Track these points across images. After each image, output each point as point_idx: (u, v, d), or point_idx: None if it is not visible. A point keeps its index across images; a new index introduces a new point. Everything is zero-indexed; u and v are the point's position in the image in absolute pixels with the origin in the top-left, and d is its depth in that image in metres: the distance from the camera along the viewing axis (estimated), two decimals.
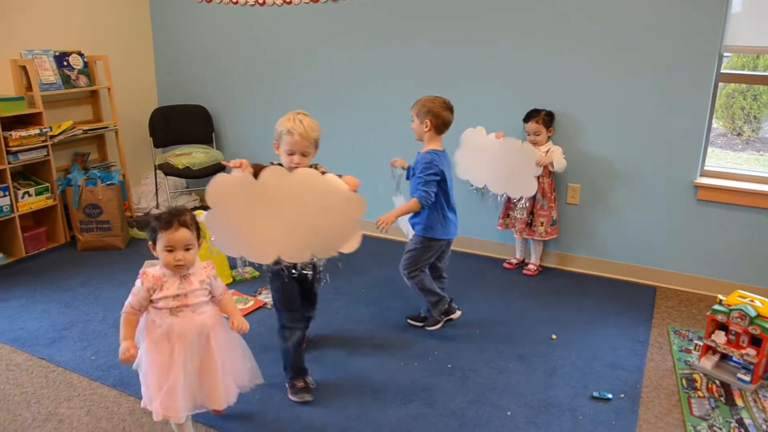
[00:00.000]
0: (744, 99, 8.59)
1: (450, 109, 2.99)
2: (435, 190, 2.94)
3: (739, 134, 8.61)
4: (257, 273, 3.87)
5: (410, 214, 3.05)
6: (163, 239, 2.06)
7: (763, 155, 8.24)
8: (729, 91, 8.77)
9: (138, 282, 2.11)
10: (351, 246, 2.37)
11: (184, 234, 2.06)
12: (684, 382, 2.85)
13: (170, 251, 2.06)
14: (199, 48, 4.95)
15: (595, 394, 2.69)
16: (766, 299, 2.81)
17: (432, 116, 2.94)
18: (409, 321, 3.28)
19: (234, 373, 2.26)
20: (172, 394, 2.06)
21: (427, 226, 3.03)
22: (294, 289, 2.60)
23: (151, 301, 2.10)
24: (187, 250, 2.08)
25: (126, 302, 2.11)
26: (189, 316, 2.11)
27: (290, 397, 2.61)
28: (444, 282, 3.26)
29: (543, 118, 3.71)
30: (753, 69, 7.85)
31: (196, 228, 2.13)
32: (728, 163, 7.50)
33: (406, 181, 3.19)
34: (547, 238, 3.86)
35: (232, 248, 2.42)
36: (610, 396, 2.68)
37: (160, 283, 2.09)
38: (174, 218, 2.06)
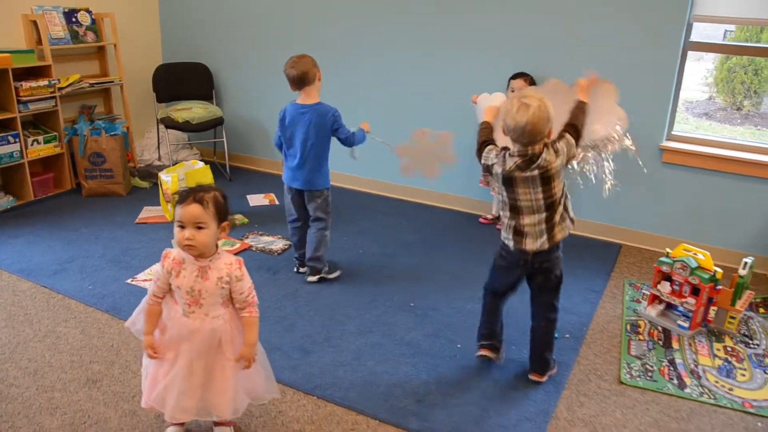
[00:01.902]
0: (745, 73, 8.60)
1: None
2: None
3: (738, 108, 8.66)
4: (246, 220, 4.14)
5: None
6: (176, 213, 1.91)
7: (761, 130, 8.30)
8: (730, 65, 8.78)
9: (157, 266, 2.00)
10: None
11: (194, 209, 1.86)
12: (628, 327, 3.09)
13: (181, 228, 1.89)
14: (203, 8, 5.16)
15: None
16: (707, 252, 3.03)
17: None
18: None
19: (247, 383, 2.08)
20: (170, 391, 1.98)
21: None
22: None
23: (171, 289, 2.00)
24: (199, 228, 1.87)
25: (149, 291, 2.01)
26: (200, 319, 1.95)
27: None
28: None
29: (531, 82, 3.89)
30: (757, 42, 7.84)
31: (216, 208, 1.91)
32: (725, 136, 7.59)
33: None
34: None
35: None
36: (555, 335, 2.93)
37: (179, 268, 1.94)
38: (191, 193, 1.90)
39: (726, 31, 8.38)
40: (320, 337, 2.85)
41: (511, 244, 2.47)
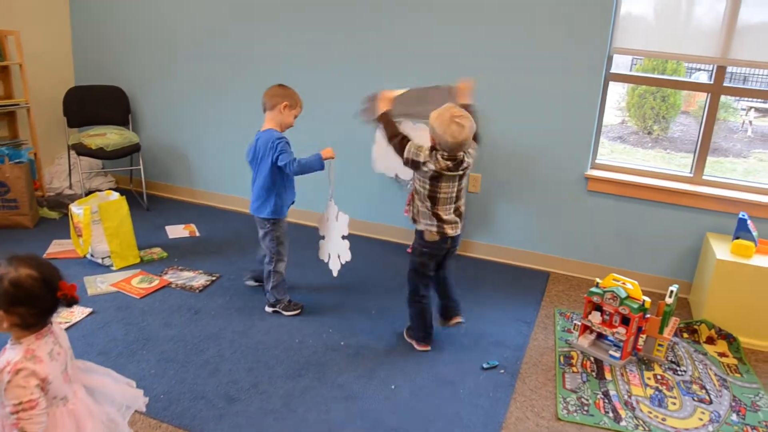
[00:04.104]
0: (654, 99, 9.09)
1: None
2: None
3: (649, 132, 9.11)
4: (165, 254, 3.91)
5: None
6: None
7: (669, 153, 8.76)
8: (641, 91, 9.27)
9: None
10: None
11: None
12: (561, 358, 3.07)
13: None
14: (118, 28, 4.90)
15: (485, 365, 2.92)
16: (636, 282, 3.07)
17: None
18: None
19: None
20: None
21: None
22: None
23: None
24: None
25: None
26: None
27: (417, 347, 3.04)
28: None
29: None
30: (662, 72, 8.35)
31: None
32: (638, 159, 7.98)
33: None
34: None
35: None
36: (497, 363, 2.91)
37: None
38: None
39: (633, 59, 8.88)
40: (246, 383, 2.67)
41: (434, 229, 2.83)
